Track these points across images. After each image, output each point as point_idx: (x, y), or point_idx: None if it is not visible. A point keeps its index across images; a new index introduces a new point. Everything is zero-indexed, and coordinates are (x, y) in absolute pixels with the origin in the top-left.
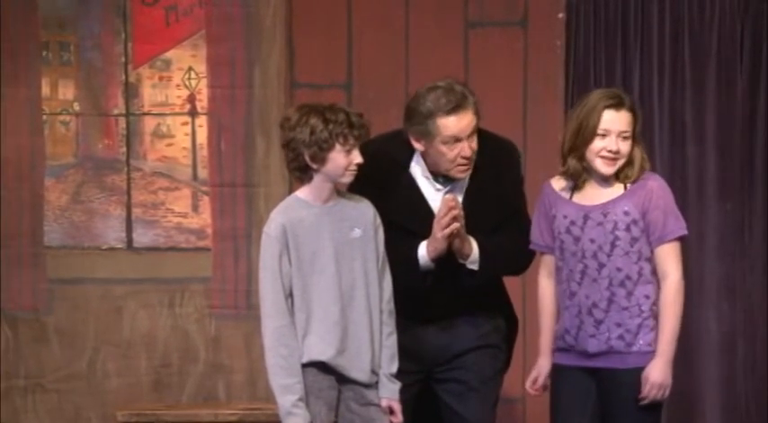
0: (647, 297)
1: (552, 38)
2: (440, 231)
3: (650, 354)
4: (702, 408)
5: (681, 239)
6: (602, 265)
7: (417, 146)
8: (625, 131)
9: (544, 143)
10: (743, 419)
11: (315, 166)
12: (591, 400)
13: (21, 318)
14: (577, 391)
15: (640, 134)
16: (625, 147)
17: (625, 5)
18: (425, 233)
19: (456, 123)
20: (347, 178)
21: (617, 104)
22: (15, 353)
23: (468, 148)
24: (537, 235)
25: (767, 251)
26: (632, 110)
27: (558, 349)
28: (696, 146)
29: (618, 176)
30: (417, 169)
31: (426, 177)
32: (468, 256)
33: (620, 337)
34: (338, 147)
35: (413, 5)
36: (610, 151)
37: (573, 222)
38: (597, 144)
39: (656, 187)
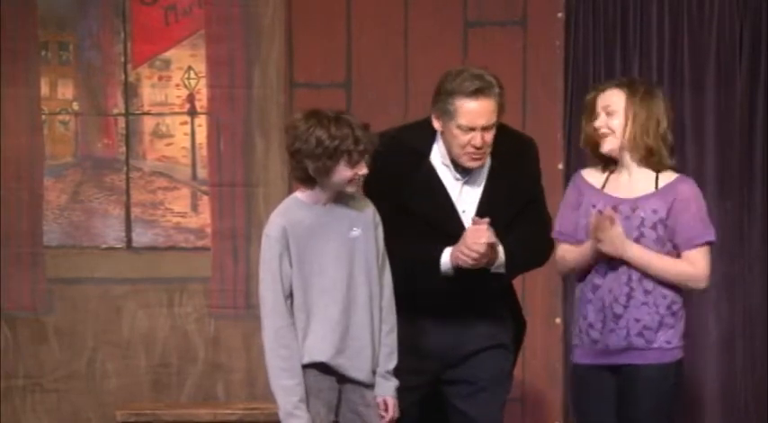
0: (665, 297)
1: (551, 37)
2: (468, 260)
3: (670, 351)
4: (702, 408)
5: (709, 244)
6: (624, 260)
7: (437, 125)
8: (607, 105)
9: (543, 142)
10: (743, 419)
11: (318, 179)
12: (614, 399)
13: (20, 317)
14: (601, 390)
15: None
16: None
17: (624, 5)
18: (444, 222)
19: (474, 108)
20: (350, 188)
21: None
22: (14, 353)
23: (479, 138)
24: (560, 224)
25: (766, 250)
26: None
27: (579, 347)
28: (695, 145)
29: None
30: (437, 157)
31: (446, 165)
32: (494, 262)
33: (640, 334)
34: (342, 162)
35: (412, 5)
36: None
37: (601, 212)
38: None
39: (687, 190)
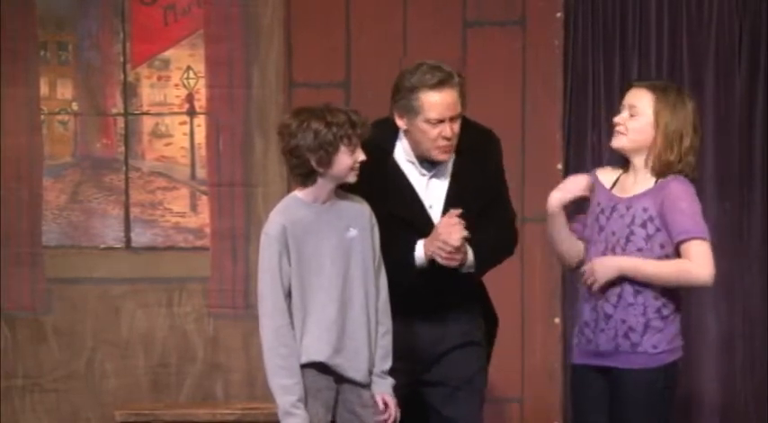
0: (656, 298)
1: (550, 37)
2: (443, 253)
3: (657, 355)
4: (702, 408)
5: (703, 240)
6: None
7: (400, 123)
8: (633, 105)
9: (543, 142)
10: (742, 419)
11: (321, 170)
12: (606, 399)
13: (19, 317)
14: (592, 390)
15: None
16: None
17: (623, 4)
18: (413, 218)
19: (439, 100)
20: (352, 177)
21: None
22: (14, 353)
23: (449, 129)
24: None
25: (766, 250)
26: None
27: (577, 346)
28: None
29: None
30: (401, 154)
31: (411, 162)
32: (465, 263)
33: (626, 336)
34: (343, 148)
35: (411, 4)
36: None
37: (602, 211)
38: None
39: (676, 188)
